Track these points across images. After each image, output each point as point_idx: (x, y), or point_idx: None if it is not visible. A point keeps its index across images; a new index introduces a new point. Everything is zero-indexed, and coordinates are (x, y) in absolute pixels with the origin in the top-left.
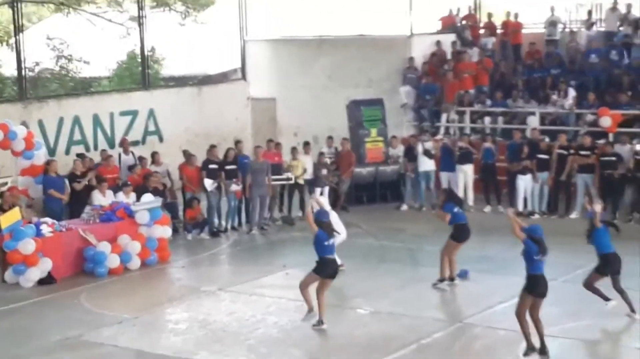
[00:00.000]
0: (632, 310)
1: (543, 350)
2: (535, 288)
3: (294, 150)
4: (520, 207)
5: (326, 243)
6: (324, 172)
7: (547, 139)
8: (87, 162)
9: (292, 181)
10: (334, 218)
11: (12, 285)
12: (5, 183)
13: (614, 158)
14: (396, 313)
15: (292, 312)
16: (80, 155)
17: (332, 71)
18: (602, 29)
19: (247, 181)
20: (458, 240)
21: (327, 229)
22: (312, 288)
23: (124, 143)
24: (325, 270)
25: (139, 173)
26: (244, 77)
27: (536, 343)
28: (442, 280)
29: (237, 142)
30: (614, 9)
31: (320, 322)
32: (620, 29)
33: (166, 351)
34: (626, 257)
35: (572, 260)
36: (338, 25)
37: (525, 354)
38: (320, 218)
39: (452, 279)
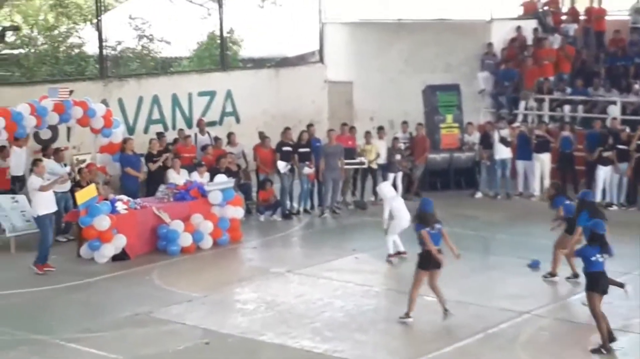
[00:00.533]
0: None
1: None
2: (597, 285)
3: (367, 134)
4: (599, 198)
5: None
6: (398, 157)
7: (627, 129)
8: (164, 141)
9: (365, 166)
10: (400, 204)
11: (87, 260)
12: (84, 160)
13: None
14: (464, 301)
15: (359, 297)
16: (159, 134)
17: (409, 55)
18: None
19: (320, 164)
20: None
21: (427, 219)
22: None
23: (200, 124)
24: (428, 262)
25: (212, 153)
26: (321, 60)
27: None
28: (552, 274)
29: (310, 125)
30: None
31: (445, 311)
32: None
33: (232, 331)
34: None
35: None
36: (417, 9)
37: (595, 351)
38: (423, 209)
39: (576, 275)
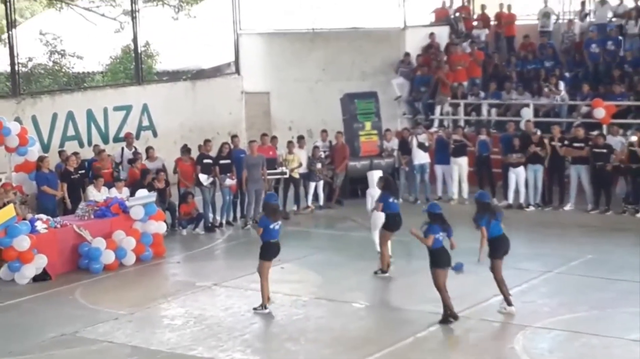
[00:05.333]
0: (509, 303)
1: (445, 320)
2: (439, 260)
3: (290, 144)
4: (511, 199)
5: (271, 226)
6: (319, 165)
7: (538, 132)
8: (78, 159)
9: (287, 176)
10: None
11: (8, 281)
12: None
13: (605, 151)
14: (392, 306)
15: (288, 307)
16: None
17: (325, 64)
18: (594, 20)
19: (242, 175)
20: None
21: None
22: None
23: (128, 137)
24: (270, 252)
25: (139, 167)
26: (237, 71)
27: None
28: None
29: (234, 137)
30: (602, 2)
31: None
32: (613, 20)
33: (162, 347)
34: (622, 249)
35: (566, 251)
36: (331, 18)
37: (442, 321)
38: (268, 200)
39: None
